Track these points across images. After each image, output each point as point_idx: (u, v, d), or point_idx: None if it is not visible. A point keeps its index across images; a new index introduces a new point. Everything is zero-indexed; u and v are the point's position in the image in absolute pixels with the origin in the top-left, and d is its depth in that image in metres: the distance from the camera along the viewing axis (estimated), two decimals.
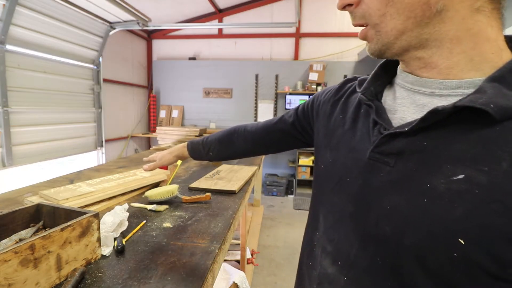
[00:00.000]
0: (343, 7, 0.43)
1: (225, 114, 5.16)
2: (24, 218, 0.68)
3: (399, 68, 0.44)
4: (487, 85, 0.32)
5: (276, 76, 4.94)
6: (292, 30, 4.90)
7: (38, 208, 0.71)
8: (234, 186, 1.33)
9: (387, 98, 0.46)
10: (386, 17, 0.37)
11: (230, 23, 5.02)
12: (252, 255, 2.59)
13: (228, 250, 2.40)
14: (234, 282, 1.84)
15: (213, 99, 5.18)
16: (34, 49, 2.73)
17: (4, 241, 0.60)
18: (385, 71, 0.47)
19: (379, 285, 0.39)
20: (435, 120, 0.35)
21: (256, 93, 5.03)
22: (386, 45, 0.39)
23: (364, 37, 0.42)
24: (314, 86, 4.67)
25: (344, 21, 4.78)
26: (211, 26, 4.96)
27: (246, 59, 5.14)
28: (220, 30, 5.15)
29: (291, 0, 4.82)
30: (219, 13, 5.05)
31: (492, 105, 0.31)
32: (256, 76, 4.99)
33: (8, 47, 2.49)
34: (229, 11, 5.04)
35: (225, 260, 2.25)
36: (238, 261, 2.29)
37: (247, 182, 1.49)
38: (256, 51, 5.12)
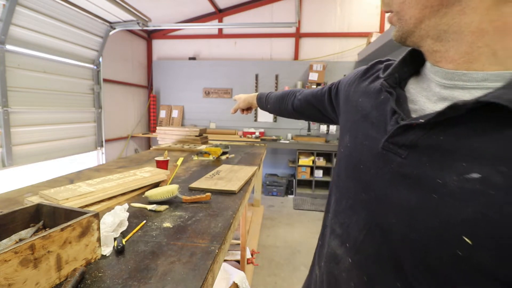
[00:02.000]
0: None
1: (225, 114, 5.16)
2: (24, 218, 0.68)
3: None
4: None
5: (276, 76, 4.94)
6: (292, 30, 4.90)
7: (38, 208, 0.71)
8: (234, 186, 1.33)
9: (411, 87, 0.44)
10: (405, 5, 0.37)
11: (230, 23, 5.02)
12: (252, 255, 2.59)
13: (228, 250, 2.40)
14: (234, 282, 1.84)
15: (213, 99, 5.18)
16: (34, 49, 2.73)
17: (4, 241, 0.60)
18: (414, 58, 0.44)
19: (381, 273, 0.39)
20: (454, 115, 0.33)
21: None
22: (406, 33, 0.39)
23: (391, 23, 0.42)
24: (314, 86, 4.67)
25: (344, 21, 4.78)
26: (211, 26, 4.96)
27: (246, 59, 5.14)
28: (220, 30, 5.15)
29: (291, 0, 4.81)
30: (219, 13, 5.05)
31: None
32: (256, 76, 4.99)
33: (8, 47, 2.49)
34: (229, 11, 5.04)
35: (225, 260, 2.25)
36: (238, 261, 2.29)
37: (247, 182, 1.49)
38: (256, 51, 5.12)
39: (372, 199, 0.42)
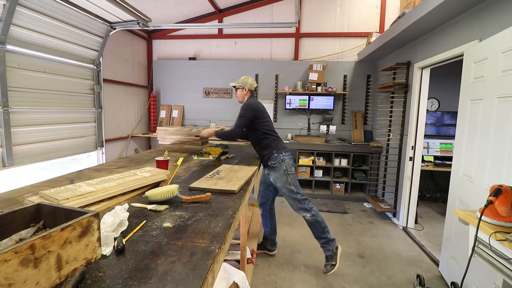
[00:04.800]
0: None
1: (225, 114, 5.16)
2: (24, 218, 0.68)
3: None
4: None
5: (276, 76, 4.94)
6: (292, 30, 4.90)
7: (38, 208, 0.71)
8: (234, 186, 1.33)
9: None
10: (239, 98, 2.50)
11: (230, 23, 5.02)
12: (252, 255, 2.59)
13: (228, 250, 2.40)
14: (234, 282, 1.84)
15: (213, 99, 5.18)
16: (34, 49, 2.73)
17: (4, 241, 0.60)
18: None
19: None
20: None
21: (256, 93, 5.03)
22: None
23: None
24: (314, 86, 4.67)
25: (344, 21, 4.78)
26: (211, 26, 4.96)
27: (246, 59, 5.14)
28: (220, 30, 5.15)
29: (291, 0, 4.82)
30: (219, 13, 5.05)
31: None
32: (256, 76, 4.99)
33: (9, 47, 2.49)
34: (229, 11, 5.04)
35: (225, 260, 2.25)
36: (238, 261, 2.28)
37: (247, 182, 1.49)
38: (256, 51, 5.12)
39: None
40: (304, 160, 4.58)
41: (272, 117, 5.05)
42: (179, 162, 1.61)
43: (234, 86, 2.52)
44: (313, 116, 4.97)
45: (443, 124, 4.65)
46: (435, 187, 4.65)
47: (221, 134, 2.38)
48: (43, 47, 2.83)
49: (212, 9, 4.91)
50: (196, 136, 3.14)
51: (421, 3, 2.60)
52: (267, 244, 2.79)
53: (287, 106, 4.80)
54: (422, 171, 3.52)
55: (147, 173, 1.33)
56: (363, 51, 4.39)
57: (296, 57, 4.98)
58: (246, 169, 1.74)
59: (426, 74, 3.26)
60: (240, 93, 2.47)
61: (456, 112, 2.44)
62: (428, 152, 4.22)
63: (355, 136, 4.80)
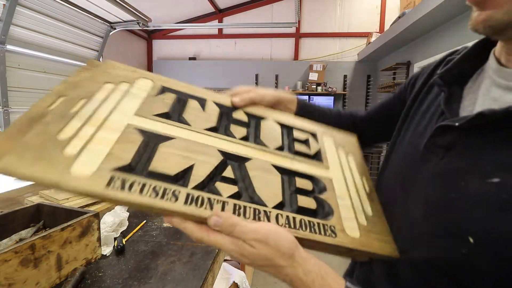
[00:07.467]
0: None
1: None
2: (24, 218, 0.68)
3: (493, 51, 0.36)
4: None
5: (276, 76, 4.94)
6: (292, 30, 4.90)
7: (39, 208, 0.71)
8: None
9: (471, 84, 0.38)
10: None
11: (230, 23, 5.02)
12: None
13: None
14: (234, 282, 1.84)
15: None
16: (34, 49, 2.73)
17: (4, 241, 0.60)
18: (480, 52, 0.38)
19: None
20: (485, 121, 0.30)
21: None
22: None
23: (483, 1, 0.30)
24: (314, 86, 4.67)
25: (344, 21, 4.78)
26: (211, 26, 4.96)
27: (246, 59, 5.13)
28: (220, 30, 5.15)
29: (291, 0, 4.81)
30: (219, 13, 5.05)
31: None
32: (256, 76, 4.99)
33: (9, 47, 2.49)
34: (229, 11, 5.04)
35: (225, 260, 2.25)
36: (238, 261, 2.28)
37: None
38: (256, 51, 5.12)
39: (405, 194, 0.40)
40: None
41: None
42: None
43: None
44: None
45: None
46: None
47: None
48: (43, 47, 2.83)
49: (212, 9, 4.91)
50: None
51: (421, 3, 2.60)
52: None
53: None
54: None
55: None
56: (363, 51, 4.39)
57: (296, 57, 4.98)
58: None
59: None
60: None
61: None
62: None
63: None
